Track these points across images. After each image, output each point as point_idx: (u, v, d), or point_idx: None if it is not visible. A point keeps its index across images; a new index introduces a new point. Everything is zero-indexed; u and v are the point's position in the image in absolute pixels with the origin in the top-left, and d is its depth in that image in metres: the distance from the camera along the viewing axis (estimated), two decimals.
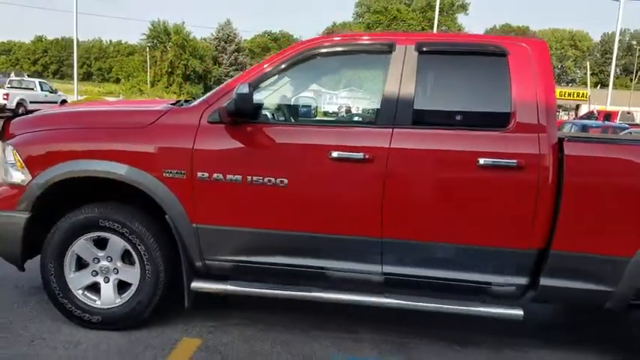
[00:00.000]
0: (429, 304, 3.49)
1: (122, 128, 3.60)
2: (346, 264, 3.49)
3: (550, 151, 3.24)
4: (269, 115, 3.93)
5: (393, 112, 3.40)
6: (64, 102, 26.33)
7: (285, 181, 3.39)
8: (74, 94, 29.01)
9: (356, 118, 3.88)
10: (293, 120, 4.12)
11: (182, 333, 3.67)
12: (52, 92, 26.20)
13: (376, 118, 3.48)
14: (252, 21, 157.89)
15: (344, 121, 3.87)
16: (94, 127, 3.65)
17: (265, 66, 3.59)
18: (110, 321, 3.64)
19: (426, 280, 3.47)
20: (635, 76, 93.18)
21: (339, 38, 3.70)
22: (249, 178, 3.42)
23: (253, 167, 3.43)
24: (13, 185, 3.70)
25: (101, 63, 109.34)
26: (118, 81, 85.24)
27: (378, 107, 3.45)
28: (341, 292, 3.57)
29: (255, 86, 3.49)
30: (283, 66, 3.58)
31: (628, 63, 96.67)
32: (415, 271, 3.45)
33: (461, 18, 67.31)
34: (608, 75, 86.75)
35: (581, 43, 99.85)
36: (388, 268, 3.46)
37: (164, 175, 3.47)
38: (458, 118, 3.50)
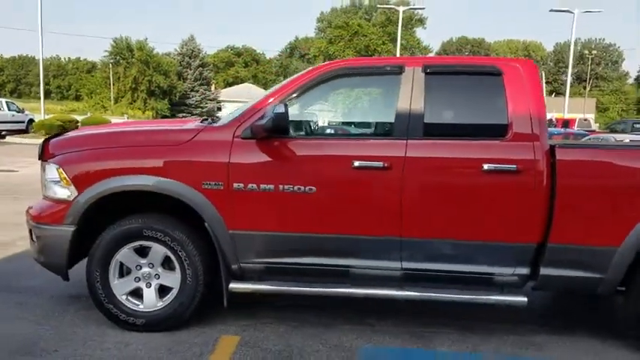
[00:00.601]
0: (444, 295, 3.94)
1: (163, 146, 3.96)
2: (369, 262, 3.91)
3: (543, 157, 3.74)
4: (296, 130, 4.33)
5: (406, 125, 3.85)
6: (31, 121, 26.10)
7: (313, 188, 3.80)
8: (40, 112, 28.66)
9: (373, 131, 4.29)
10: (317, 134, 4.52)
11: (220, 332, 4.02)
12: (19, 112, 25.93)
13: (392, 131, 3.93)
14: (215, 36, 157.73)
15: (363, 133, 4.29)
16: (136, 146, 4.00)
17: (292, 86, 4.01)
18: (154, 323, 3.97)
19: (440, 274, 3.91)
20: (588, 84, 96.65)
21: (356, 61, 4.15)
22: (280, 187, 3.81)
23: (284, 177, 3.83)
24: (58, 201, 4.01)
25: (60, 81, 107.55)
26: (77, 98, 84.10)
27: (393, 121, 3.91)
28: (365, 287, 3.98)
29: (293, 103, 3.91)
30: (308, 85, 4.00)
31: (580, 71, 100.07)
32: (430, 265, 3.89)
33: (419, 32, 68.87)
34: (562, 83, 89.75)
35: (535, 54, 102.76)
36: (407, 264, 3.89)
37: (203, 186, 3.84)
38: (462, 129, 3.97)
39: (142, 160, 3.91)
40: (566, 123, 27.05)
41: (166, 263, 4.00)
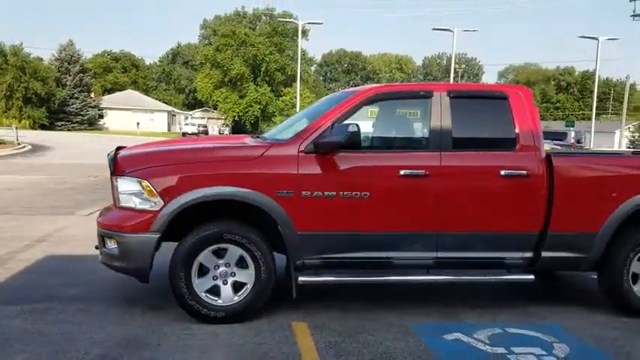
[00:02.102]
0: (469, 277, 4.90)
1: (239, 160, 4.54)
2: (410, 253, 4.75)
3: (544, 164, 4.80)
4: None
5: (438, 140, 4.75)
6: None
7: (368, 194, 4.57)
8: None
9: (413, 145, 5.11)
10: (369, 147, 5.20)
11: (287, 319, 4.65)
12: None
13: (428, 145, 4.80)
14: (91, 40, 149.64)
15: (405, 147, 5.08)
16: (216, 161, 4.54)
17: (342, 108, 4.75)
18: (232, 315, 4.51)
19: (465, 260, 4.85)
20: None
21: (394, 87, 4.98)
22: (340, 193, 4.55)
23: (343, 185, 4.56)
24: (141, 211, 4.44)
25: None
26: None
27: (428, 136, 4.79)
28: (406, 275, 4.81)
29: (340, 122, 4.64)
30: (356, 106, 4.76)
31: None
32: (458, 254, 4.81)
33: (303, 43, 70.57)
34: None
35: (407, 67, 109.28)
36: (441, 254, 4.77)
37: (277, 195, 4.47)
38: (481, 142, 4.94)
39: (223, 172, 4.47)
40: None
41: (240, 262, 4.55)
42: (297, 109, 38.80)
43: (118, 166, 4.61)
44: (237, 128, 60.92)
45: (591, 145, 37.74)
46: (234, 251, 4.52)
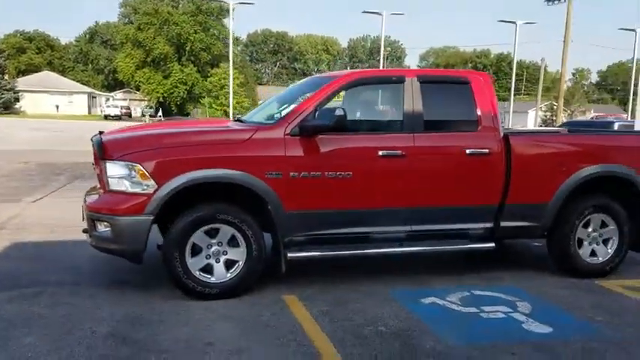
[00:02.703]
0: (439, 247, 5.38)
1: (229, 143, 4.76)
2: (387, 227, 5.15)
3: (502, 143, 5.32)
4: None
5: (411, 122, 5.15)
6: None
7: (350, 173, 4.93)
8: None
9: (390, 127, 5.44)
10: (350, 130, 5.49)
11: (277, 292, 4.95)
12: None
13: (402, 127, 5.19)
14: (5, 19, 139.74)
15: (383, 129, 5.42)
16: (206, 144, 4.73)
17: (323, 93, 5.04)
18: (226, 291, 4.76)
19: (435, 232, 5.32)
20: None
21: (372, 72, 5.34)
22: (326, 173, 4.87)
23: (328, 165, 4.89)
24: (133, 194, 4.58)
25: None
26: None
27: (402, 119, 5.18)
28: (384, 247, 5.22)
29: (322, 106, 4.94)
30: (336, 91, 5.07)
31: (372, 65, 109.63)
32: (430, 227, 5.27)
33: (227, 22, 69.44)
34: None
35: (332, 48, 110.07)
36: (413, 227, 5.21)
37: (266, 176, 4.73)
38: (448, 124, 5.39)
39: (214, 155, 4.67)
40: None
41: (231, 241, 4.79)
42: (231, 91, 38.50)
43: (107, 150, 4.71)
44: (163, 110, 59.39)
45: (510, 124, 39.82)
46: (227, 231, 4.75)
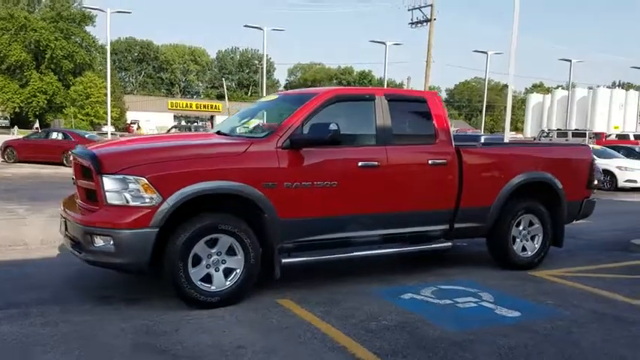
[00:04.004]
0: (404, 249, 5.98)
1: (226, 156, 4.97)
2: (366, 232, 5.64)
3: (455, 154, 6.05)
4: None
5: (383, 136, 5.70)
6: None
7: (336, 183, 5.35)
8: None
9: (365, 140, 5.85)
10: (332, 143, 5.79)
11: (268, 297, 5.22)
12: None
13: (376, 140, 5.70)
14: None
15: (359, 142, 5.81)
16: (206, 157, 4.91)
17: (308, 109, 5.42)
18: (226, 298, 4.95)
19: (403, 235, 5.91)
20: (249, 90, 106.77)
21: (347, 90, 5.81)
22: (314, 183, 5.25)
23: (316, 176, 5.27)
24: (136, 207, 4.63)
25: None
26: None
27: (375, 133, 5.70)
28: (363, 250, 5.69)
29: (308, 121, 5.32)
30: (319, 107, 5.46)
31: (241, 78, 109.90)
32: (398, 230, 5.84)
33: (90, 30, 65.84)
34: (227, 88, 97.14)
35: (201, 59, 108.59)
36: (386, 231, 5.75)
37: (263, 186, 5.01)
38: (412, 137, 6.02)
39: (215, 168, 4.87)
40: None
41: (229, 251, 4.99)
42: (109, 100, 36.75)
43: (104, 164, 4.70)
44: (20, 120, 54.87)
45: None
46: (226, 240, 4.94)
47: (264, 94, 51.77)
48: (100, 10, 34.51)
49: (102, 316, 4.65)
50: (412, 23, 43.84)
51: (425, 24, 40.22)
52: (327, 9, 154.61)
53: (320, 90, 5.94)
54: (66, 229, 5.12)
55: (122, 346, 4.06)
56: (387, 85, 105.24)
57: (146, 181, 4.62)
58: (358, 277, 6.01)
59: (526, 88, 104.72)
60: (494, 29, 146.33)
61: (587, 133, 41.44)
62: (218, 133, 5.90)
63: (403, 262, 6.70)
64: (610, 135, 44.61)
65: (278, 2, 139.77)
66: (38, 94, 57.66)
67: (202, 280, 4.90)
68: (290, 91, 6.99)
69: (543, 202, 6.71)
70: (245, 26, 34.92)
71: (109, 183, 4.66)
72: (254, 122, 6.32)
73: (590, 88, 66.56)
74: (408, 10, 44.32)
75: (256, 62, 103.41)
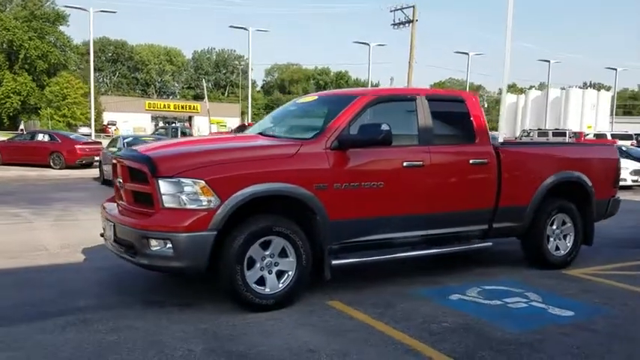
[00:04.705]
0: (450, 249, 5.94)
1: (279, 158, 4.89)
2: (409, 233, 5.60)
3: (494, 153, 6.06)
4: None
5: (425, 136, 5.67)
6: None
7: (382, 183, 5.30)
8: None
9: (408, 141, 5.80)
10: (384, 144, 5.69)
11: (320, 298, 5.15)
12: None
13: (419, 140, 5.67)
14: None
15: (403, 142, 5.75)
16: (260, 159, 4.83)
17: (352, 111, 5.35)
18: (279, 301, 4.86)
19: (443, 236, 5.88)
20: (226, 91, 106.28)
21: (389, 91, 5.75)
22: (362, 184, 5.19)
23: (363, 176, 5.22)
24: (194, 210, 4.52)
25: None
26: None
27: (417, 133, 5.66)
28: (406, 251, 5.64)
29: (354, 122, 5.26)
30: (363, 108, 5.41)
31: (218, 78, 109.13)
32: (440, 231, 5.81)
33: (64, 29, 64.54)
34: (203, 88, 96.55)
35: (176, 59, 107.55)
36: (429, 232, 5.72)
37: (315, 188, 4.93)
38: (454, 137, 5.99)
39: (270, 169, 4.78)
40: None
41: (281, 253, 4.90)
42: (92, 100, 36.11)
43: (160, 167, 4.58)
44: None
45: None
46: (278, 242, 4.85)
47: (249, 95, 51.46)
48: (82, 9, 33.77)
49: (159, 321, 4.53)
50: (395, 24, 44.07)
51: (407, 25, 40.51)
52: (304, 9, 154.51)
53: (362, 91, 5.90)
54: (114, 233, 4.97)
55: (197, 350, 3.95)
56: (356, 84, 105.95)
57: (205, 184, 4.51)
58: (400, 278, 5.96)
59: (500, 89, 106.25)
60: (473, 31, 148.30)
61: (567, 132, 42.19)
62: (260, 134, 5.79)
63: (439, 263, 6.66)
64: (588, 134, 45.45)
65: (258, 2, 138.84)
66: (12, 95, 56.53)
67: (256, 282, 4.81)
68: (328, 92, 6.91)
69: (574, 201, 6.75)
70: (230, 27, 34.71)
71: (165, 186, 4.54)
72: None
73: (562, 88, 67.96)
74: (390, 11, 44.59)
75: (236, 63, 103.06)
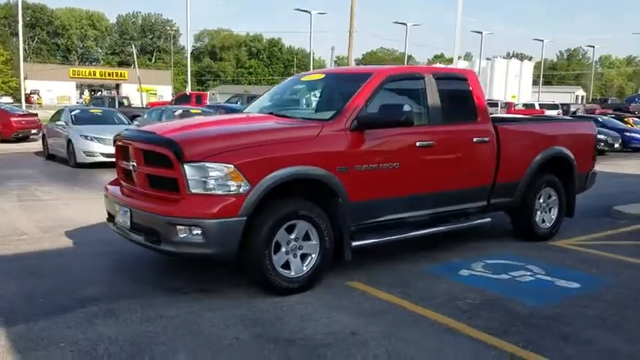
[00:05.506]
0: (456, 226, 6.08)
1: (303, 140, 4.81)
2: (420, 212, 5.68)
3: (494, 131, 6.20)
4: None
5: (434, 115, 5.72)
6: None
7: (398, 164, 5.34)
8: None
9: (418, 120, 5.77)
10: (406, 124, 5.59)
11: (338, 279, 5.16)
12: None
13: (428, 120, 5.71)
14: None
15: (417, 123, 5.72)
16: (284, 142, 4.73)
17: (368, 89, 5.32)
18: (304, 284, 4.84)
19: (447, 213, 6.02)
20: (153, 56, 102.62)
21: (399, 69, 5.75)
22: (380, 165, 5.21)
23: (381, 157, 5.22)
24: (223, 196, 4.39)
25: None
26: None
27: (427, 112, 5.70)
28: (416, 230, 5.73)
29: (370, 101, 5.24)
30: (378, 87, 5.38)
31: (145, 44, 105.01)
32: (445, 209, 5.94)
33: None
34: (129, 54, 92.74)
35: (100, 24, 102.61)
36: (436, 210, 5.83)
37: (337, 170, 4.90)
38: (459, 116, 6.06)
39: (296, 152, 4.70)
40: (199, 97, 29.83)
41: (305, 236, 4.86)
42: (21, 68, 33.85)
43: (186, 152, 4.39)
44: None
45: None
46: (303, 226, 4.80)
47: (188, 63, 49.54)
48: None
49: (190, 309, 4.42)
50: None
51: None
52: None
53: (373, 69, 5.84)
54: (132, 220, 4.75)
55: (244, 338, 3.90)
56: (291, 54, 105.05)
57: (234, 169, 4.38)
58: (405, 256, 6.02)
59: (428, 59, 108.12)
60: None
61: (499, 103, 43.63)
62: (273, 114, 5.64)
63: (435, 239, 6.78)
64: (517, 104, 47.24)
65: None
66: None
67: (282, 266, 4.76)
68: (335, 70, 6.82)
69: (559, 175, 7.04)
70: None
71: (192, 171, 4.37)
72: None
73: (488, 59, 69.95)
74: None
75: (164, 27, 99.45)
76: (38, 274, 5.23)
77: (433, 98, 5.74)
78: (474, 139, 5.99)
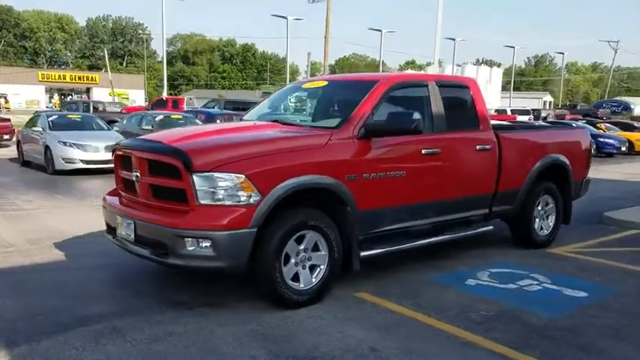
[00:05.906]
0: (452, 235, 5.99)
1: (312, 149, 4.69)
2: (423, 220, 5.61)
3: (495, 139, 6.18)
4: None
5: (438, 123, 5.66)
6: None
7: (404, 172, 5.25)
8: None
9: (425, 128, 5.66)
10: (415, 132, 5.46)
11: (348, 291, 5.05)
12: None
13: (432, 127, 5.64)
14: None
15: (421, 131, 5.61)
16: (293, 150, 4.60)
17: (375, 97, 5.22)
18: (313, 296, 4.71)
19: (450, 222, 5.95)
20: (125, 60, 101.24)
21: (404, 76, 5.66)
22: (388, 173, 5.12)
23: (388, 165, 5.14)
24: (233, 206, 4.24)
25: None
26: None
27: (432, 119, 5.64)
28: (422, 239, 5.64)
29: (377, 109, 5.15)
30: (385, 94, 5.30)
31: (115, 47, 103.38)
32: (448, 217, 5.88)
33: None
34: (99, 58, 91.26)
35: (69, 26, 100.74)
36: (439, 219, 5.77)
37: (346, 179, 4.79)
38: (462, 124, 6.01)
39: (305, 161, 4.58)
40: (176, 102, 29.35)
41: (314, 247, 4.74)
42: None
43: (194, 161, 4.22)
44: None
45: None
46: (312, 236, 4.67)
47: (164, 67, 48.89)
48: None
49: (198, 324, 4.25)
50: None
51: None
52: None
53: (378, 76, 5.75)
54: (136, 232, 4.56)
55: (259, 355, 3.75)
56: (265, 59, 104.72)
57: (245, 179, 4.23)
58: (409, 265, 5.94)
59: (400, 65, 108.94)
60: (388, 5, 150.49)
61: None
62: (276, 122, 5.50)
63: (437, 248, 6.69)
64: (490, 110, 47.72)
65: None
66: None
67: (291, 279, 4.62)
68: (338, 77, 6.71)
69: (556, 183, 7.05)
70: None
71: (202, 182, 4.21)
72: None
73: (458, 65, 70.79)
74: None
75: (135, 31, 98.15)
76: (34, 290, 4.98)
77: (437, 106, 5.68)
78: (477, 147, 5.95)
